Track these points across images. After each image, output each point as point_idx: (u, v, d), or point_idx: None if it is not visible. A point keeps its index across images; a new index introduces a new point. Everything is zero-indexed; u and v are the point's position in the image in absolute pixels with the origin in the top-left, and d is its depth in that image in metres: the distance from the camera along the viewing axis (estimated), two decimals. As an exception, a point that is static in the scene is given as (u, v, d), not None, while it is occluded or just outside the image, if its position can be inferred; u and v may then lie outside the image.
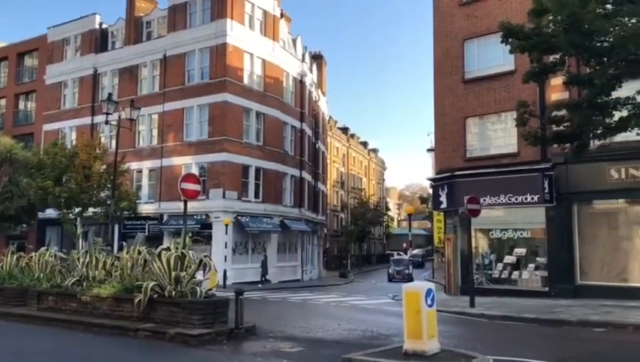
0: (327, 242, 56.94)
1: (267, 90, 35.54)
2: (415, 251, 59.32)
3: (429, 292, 8.16)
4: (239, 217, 32.15)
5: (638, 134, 14.72)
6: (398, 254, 61.85)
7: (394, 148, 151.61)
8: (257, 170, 34.24)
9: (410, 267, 40.19)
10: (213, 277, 14.76)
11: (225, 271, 28.34)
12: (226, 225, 30.28)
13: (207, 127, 33.11)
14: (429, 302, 8.10)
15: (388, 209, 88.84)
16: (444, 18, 23.29)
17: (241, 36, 33.74)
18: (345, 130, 73.38)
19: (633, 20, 11.83)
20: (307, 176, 41.04)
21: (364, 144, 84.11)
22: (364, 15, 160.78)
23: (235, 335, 10.49)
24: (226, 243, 30.41)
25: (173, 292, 10.80)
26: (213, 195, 31.62)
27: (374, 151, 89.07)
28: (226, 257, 29.83)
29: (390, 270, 42.98)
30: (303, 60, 42.09)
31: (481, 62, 21.94)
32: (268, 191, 34.94)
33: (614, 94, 13.78)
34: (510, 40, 14.38)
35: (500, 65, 20.92)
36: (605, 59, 13.14)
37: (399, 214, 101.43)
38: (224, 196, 31.71)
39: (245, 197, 33.34)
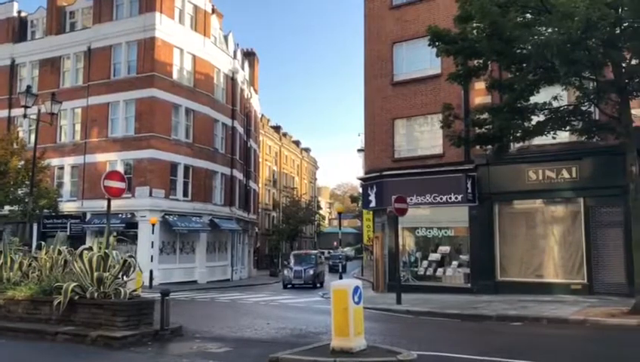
0: (258, 241, 56.64)
1: (197, 86, 34.89)
2: (344, 249, 59.98)
3: (356, 289, 8.31)
4: (167, 216, 31.38)
5: (554, 138, 15.61)
6: (329, 252, 62.07)
7: (326, 147, 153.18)
8: (186, 167, 33.54)
9: (320, 266, 33.86)
10: (139, 278, 14.29)
11: (151, 272, 27.58)
12: (153, 225, 29.47)
13: (134, 123, 32.10)
14: (356, 300, 8.25)
15: (319, 208, 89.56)
16: (374, 21, 23.72)
17: (170, 30, 32.93)
18: (277, 128, 73.26)
19: (550, 30, 12.47)
20: (238, 175, 40.65)
21: (297, 143, 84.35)
22: (299, 15, 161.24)
23: (161, 336, 10.23)
24: (152, 243, 29.59)
25: (96, 294, 10.39)
26: (140, 193, 30.69)
27: (307, 150, 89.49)
28: (152, 257, 29.04)
29: (287, 271, 32.54)
30: (235, 57, 41.64)
31: (409, 65, 22.50)
32: (197, 190, 34.32)
33: (532, 99, 14.51)
34: (437, 44, 14.83)
35: (427, 68, 21.55)
36: (524, 65, 13.81)
37: (330, 213, 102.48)
38: (151, 194, 30.86)
39: (173, 195, 32.59)
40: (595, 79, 13.72)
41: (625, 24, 12.35)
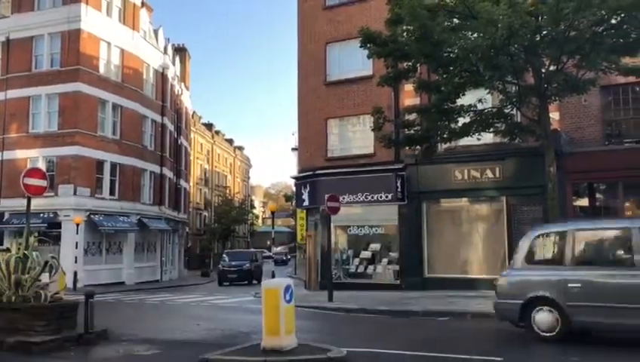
0: (189, 241, 55.56)
1: (126, 81, 33.74)
2: (278, 248, 59.88)
3: (287, 288, 8.32)
4: (92, 215, 30.16)
5: (478, 139, 16.27)
6: (262, 252, 61.75)
7: (261, 146, 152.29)
8: (113, 165, 32.35)
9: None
10: (62, 280, 13.68)
11: (75, 273, 26.46)
12: (77, 224, 28.23)
13: (57, 118, 30.58)
14: (288, 298, 8.27)
15: (253, 207, 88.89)
16: (308, 21, 23.83)
17: (97, 23, 31.63)
18: (210, 126, 72.08)
19: (475, 35, 12.99)
20: (168, 173, 39.68)
21: (230, 141, 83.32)
22: (233, 12, 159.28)
23: (85, 340, 9.82)
24: (76, 244, 28.37)
25: (14, 298, 9.85)
26: (63, 192, 29.33)
27: (240, 148, 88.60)
28: (76, 258, 27.86)
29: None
30: (165, 52, 40.62)
31: (342, 65, 22.75)
32: (125, 188, 33.19)
33: (459, 101, 15.06)
34: (368, 46, 15.09)
35: (359, 69, 21.84)
36: (451, 68, 14.30)
37: (264, 212, 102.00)
38: (75, 193, 29.55)
39: (99, 194, 31.35)
40: (516, 83, 14.41)
41: (544, 32, 13.03)
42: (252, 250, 38.80)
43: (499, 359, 8.02)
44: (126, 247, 32.95)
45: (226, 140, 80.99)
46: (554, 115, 17.26)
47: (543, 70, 13.83)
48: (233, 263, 32.45)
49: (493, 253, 19.20)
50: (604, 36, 12.75)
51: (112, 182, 32.32)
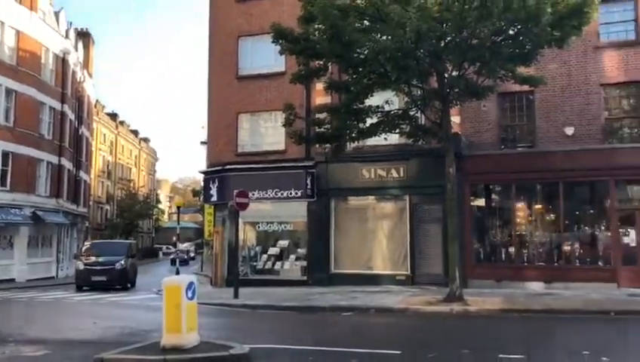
0: (89, 236, 52.84)
1: (21, 64, 31.41)
2: (184, 245, 58.26)
3: (190, 285, 8.14)
4: (-20, 207, 27.90)
5: (385, 139, 16.76)
6: (167, 248, 60.23)
7: (169, 139, 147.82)
8: (5, 154, 30.03)
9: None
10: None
11: (-42, 270, 24.36)
12: (-38, 217, 26.02)
13: (-59, 101, 28.01)
14: (190, 295, 8.09)
15: (159, 201, 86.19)
16: (220, 12, 23.39)
17: (-11, 0, 29.26)
18: (114, 116, 68.89)
19: (384, 38, 13.34)
20: (67, 164, 37.46)
21: (135, 132, 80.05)
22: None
23: (-36, 342, 9.06)
24: (-39, 238, 26.13)
25: None
26: (-54, 181, 26.93)
27: (146, 140, 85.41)
28: (-40, 253, 25.67)
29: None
30: (67, 36, 38.28)
31: (254, 60, 22.49)
32: (18, 179, 30.90)
33: (367, 102, 15.41)
34: (280, 42, 15.06)
35: (272, 65, 21.66)
36: (361, 69, 14.60)
37: (170, 207, 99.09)
38: (-40, 183, 27.22)
39: (-11, 184, 29.07)
40: (421, 87, 14.99)
41: (449, 38, 13.62)
42: (127, 241, 31.85)
43: (397, 352, 8.30)
44: (18, 242, 30.71)
45: (132, 131, 77.73)
46: (455, 119, 18.14)
47: (446, 75, 14.46)
48: (101, 259, 23.27)
49: (397, 250, 19.84)
50: (502, 46, 13.53)
51: (4, 172, 29.97)
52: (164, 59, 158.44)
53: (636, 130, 18.04)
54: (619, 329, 10.93)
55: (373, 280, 19.17)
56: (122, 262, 23.51)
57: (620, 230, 17.38)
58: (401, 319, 12.82)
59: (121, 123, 71.86)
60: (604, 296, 14.88)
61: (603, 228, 17.77)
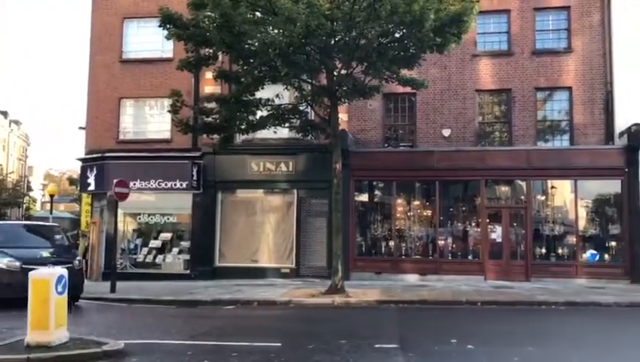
0: (-54, 225, 47.77)
1: None
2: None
3: (60, 278, 7.66)
4: None
5: (275, 133, 16.77)
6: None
7: (44, 122, 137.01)
8: None
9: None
10: None
11: None
12: None
13: None
14: (60, 289, 7.62)
15: (30, 189, 79.78)
16: (104, -10, 22.05)
17: None
18: (-21, 94, 62.74)
19: (275, 31, 13.30)
20: None
21: (4, 114, 73.43)
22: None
23: None
24: None
25: None
26: None
27: (17, 122, 78.62)
28: None
29: None
30: None
31: (141, 44, 21.49)
32: None
33: (258, 95, 15.31)
34: (168, 27, 14.51)
35: (159, 50, 20.89)
36: (251, 61, 14.47)
37: (44, 195, 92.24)
38: None
39: None
40: (311, 83, 15.17)
41: (338, 37, 13.87)
42: (52, 224, 19.17)
43: (278, 344, 8.36)
44: None
45: (0, 112, 71.23)
46: (343, 116, 18.62)
47: (335, 73, 14.73)
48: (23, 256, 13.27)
49: (283, 243, 19.98)
50: (388, 48, 14.02)
51: None
52: (41, 34, 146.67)
53: (505, 134, 19.58)
54: (484, 318, 11.83)
55: (259, 273, 19.19)
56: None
57: (489, 226, 18.80)
58: (283, 311, 12.94)
59: (-12, 102, 65.55)
60: (472, 288, 16.02)
61: (474, 224, 19.11)
